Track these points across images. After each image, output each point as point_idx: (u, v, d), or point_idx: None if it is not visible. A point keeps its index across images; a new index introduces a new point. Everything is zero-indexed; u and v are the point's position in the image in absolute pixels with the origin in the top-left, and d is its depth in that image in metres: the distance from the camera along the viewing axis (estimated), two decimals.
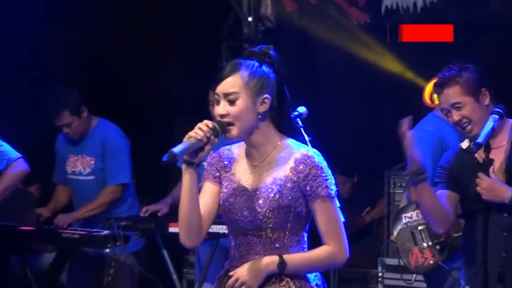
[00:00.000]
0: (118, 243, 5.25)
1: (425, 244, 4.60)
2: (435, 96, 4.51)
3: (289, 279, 3.06)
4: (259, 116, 3.04)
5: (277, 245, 3.05)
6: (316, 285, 3.11)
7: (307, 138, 3.83)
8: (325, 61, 7.11)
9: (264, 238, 3.05)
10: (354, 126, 6.79)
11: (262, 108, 3.04)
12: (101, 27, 6.72)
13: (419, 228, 4.65)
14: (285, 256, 3.03)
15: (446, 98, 3.86)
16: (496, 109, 3.79)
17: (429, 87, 5.59)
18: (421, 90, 5.91)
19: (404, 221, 4.73)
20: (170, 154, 2.89)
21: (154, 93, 7.01)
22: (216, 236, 4.99)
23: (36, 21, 6.41)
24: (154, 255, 5.64)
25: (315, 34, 7.03)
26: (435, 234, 4.47)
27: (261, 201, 3.04)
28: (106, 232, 5.28)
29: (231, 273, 3.07)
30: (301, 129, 3.98)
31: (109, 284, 5.36)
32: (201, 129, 2.97)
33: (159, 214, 5.51)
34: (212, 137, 2.98)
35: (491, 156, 3.71)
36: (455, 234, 4.39)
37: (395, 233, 4.75)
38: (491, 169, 3.71)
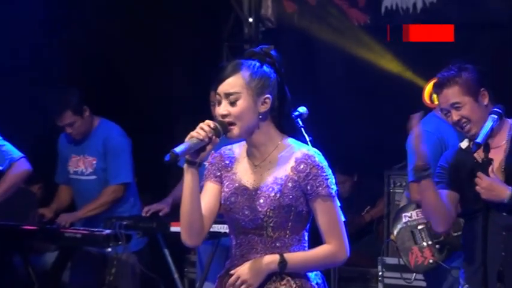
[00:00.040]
0: (120, 243, 5.26)
1: (425, 243, 4.62)
2: (435, 96, 4.51)
3: (289, 278, 3.07)
4: (260, 116, 3.05)
5: (278, 244, 3.06)
6: (317, 284, 3.12)
7: (307, 138, 3.84)
8: (326, 61, 7.11)
9: (265, 237, 3.06)
10: (354, 126, 6.80)
11: (263, 108, 3.04)
12: (101, 27, 6.71)
13: (419, 227, 4.67)
14: (285, 255, 3.04)
15: (446, 98, 3.87)
16: (495, 109, 3.80)
17: (429, 87, 5.58)
18: (420, 90, 5.92)
19: (404, 220, 4.74)
20: (172, 154, 2.90)
21: (154, 93, 7.00)
22: (217, 235, 4.99)
23: (36, 21, 6.40)
24: (156, 255, 5.62)
25: (315, 35, 7.03)
26: (435, 233, 4.49)
27: (262, 201, 3.04)
28: (108, 231, 5.28)
29: (231, 272, 3.08)
30: (302, 129, 4.00)
31: (111, 283, 5.35)
32: (202, 129, 2.98)
33: (160, 214, 5.50)
34: (214, 137, 2.99)
35: (490, 155, 3.72)
36: (455, 234, 4.41)
37: (395, 232, 4.77)
38: (490, 169, 3.72)
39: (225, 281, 3.11)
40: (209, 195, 3.13)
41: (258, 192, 3.06)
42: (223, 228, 4.83)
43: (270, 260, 3.04)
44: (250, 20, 7.30)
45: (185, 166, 3.01)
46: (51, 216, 5.71)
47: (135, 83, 6.99)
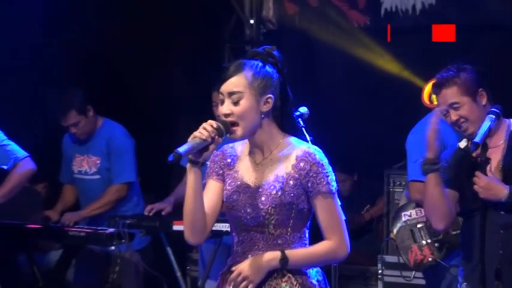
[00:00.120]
0: (123, 241, 5.26)
1: (424, 242, 4.62)
2: (434, 96, 4.51)
3: (291, 275, 3.08)
4: (263, 116, 3.06)
5: (279, 241, 3.07)
6: (317, 281, 3.12)
7: (308, 138, 3.85)
8: (326, 62, 7.10)
9: (266, 234, 3.07)
10: (354, 126, 6.79)
11: (266, 107, 3.06)
12: (101, 27, 6.68)
13: (419, 226, 4.67)
14: (287, 251, 3.05)
15: (445, 98, 3.89)
16: (493, 109, 3.83)
17: (428, 87, 5.58)
18: (420, 90, 5.93)
19: (403, 219, 4.75)
20: (175, 154, 2.92)
21: (154, 93, 6.98)
22: (219, 233, 4.98)
23: (36, 21, 6.38)
24: (159, 253, 5.63)
25: (316, 36, 7.02)
26: (434, 232, 4.50)
27: (263, 198, 3.06)
28: (111, 230, 5.28)
29: (233, 268, 3.09)
30: (303, 129, 4.04)
31: (114, 281, 5.36)
32: (205, 129, 3.00)
33: (163, 213, 5.49)
34: (216, 136, 3.01)
35: (488, 155, 3.74)
36: (454, 232, 4.42)
37: (394, 230, 4.77)
38: (488, 168, 3.75)
39: (227, 277, 3.12)
40: (211, 193, 3.14)
41: (260, 190, 3.08)
42: (225, 226, 4.83)
43: (272, 256, 3.05)
44: (252, 21, 7.28)
45: (188, 166, 3.03)
46: (57, 219, 5.70)
47: (135, 83, 6.97)
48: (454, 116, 3.88)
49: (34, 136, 5.80)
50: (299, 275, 3.10)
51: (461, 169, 3.86)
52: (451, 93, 3.89)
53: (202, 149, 3.01)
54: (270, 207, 3.06)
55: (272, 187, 3.07)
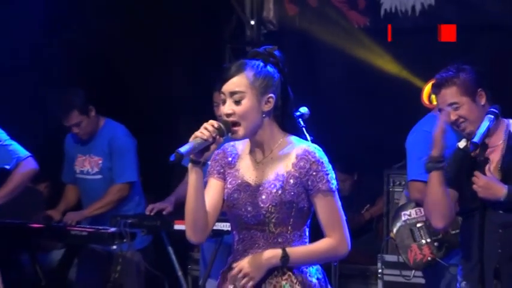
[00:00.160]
0: (125, 240, 5.27)
1: (423, 241, 4.63)
2: (433, 96, 4.50)
3: (291, 273, 3.09)
4: (264, 115, 3.08)
5: (279, 240, 3.08)
6: (318, 279, 3.13)
7: (308, 138, 3.86)
8: (326, 63, 7.10)
9: (267, 233, 3.08)
10: (354, 126, 6.78)
11: (267, 107, 3.07)
12: (101, 27, 6.67)
13: (418, 225, 4.68)
14: (287, 249, 3.05)
15: (444, 98, 3.92)
16: (492, 109, 3.85)
17: (427, 88, 5.59)
18: (419, 91, 5.94)
19: (403, 218, 4.76)
20: (177, 154, 2.93)
21: (154, 93, 6.97)
22: (220, 233, 4.99)
23: (36, 21, 6.37)
24: (160, 252, 5.63)
25: (316, 37, 7.01)
26: (433, 231, 4.51)
27: (264, 197, 3.07)
28: (113, 229, 5.30)
29: (234, 265, 3.11)
30: (303, 128, 4.05)
31: (116, 280, 5.37)
32: (206, 129, 3.01)
33: (164, 212, 5.50)
34: (218, 136, 3.02)
35: (487, 155, 3.77)
36: (453, 232, 4.43)
37: (394, 230, 4.78)
38: (487, 168, 3.78)
39: (227, 276, 3.14)
40: (213, 192, 3.16)
41: (260, 188, 3.09)
42: (226, 226, 4.84)
43: (272, 254, 3.06)
44: (252, 22, 7.26)
45: (189, 165, 3.04)
46: (59, 219, 5.72)
47: (135, 83, 6.96)
48: (453, 116, 3.90)
49: (34, 136, 5.76)
50: (299, 273, 3.11)
51: (461, 169, 3.89)
52: (451, 94, 3.91)
53: (204, 148, 3.02)
54: (270, 206, 3.07)
55: (272, 186, 3.08)
